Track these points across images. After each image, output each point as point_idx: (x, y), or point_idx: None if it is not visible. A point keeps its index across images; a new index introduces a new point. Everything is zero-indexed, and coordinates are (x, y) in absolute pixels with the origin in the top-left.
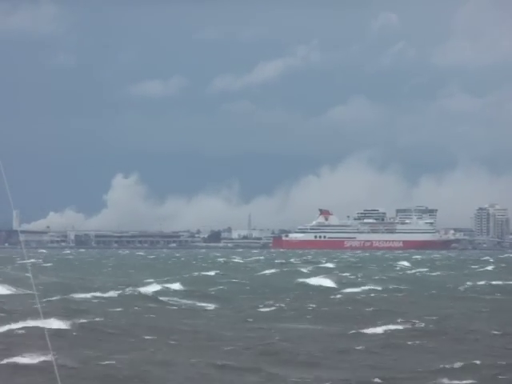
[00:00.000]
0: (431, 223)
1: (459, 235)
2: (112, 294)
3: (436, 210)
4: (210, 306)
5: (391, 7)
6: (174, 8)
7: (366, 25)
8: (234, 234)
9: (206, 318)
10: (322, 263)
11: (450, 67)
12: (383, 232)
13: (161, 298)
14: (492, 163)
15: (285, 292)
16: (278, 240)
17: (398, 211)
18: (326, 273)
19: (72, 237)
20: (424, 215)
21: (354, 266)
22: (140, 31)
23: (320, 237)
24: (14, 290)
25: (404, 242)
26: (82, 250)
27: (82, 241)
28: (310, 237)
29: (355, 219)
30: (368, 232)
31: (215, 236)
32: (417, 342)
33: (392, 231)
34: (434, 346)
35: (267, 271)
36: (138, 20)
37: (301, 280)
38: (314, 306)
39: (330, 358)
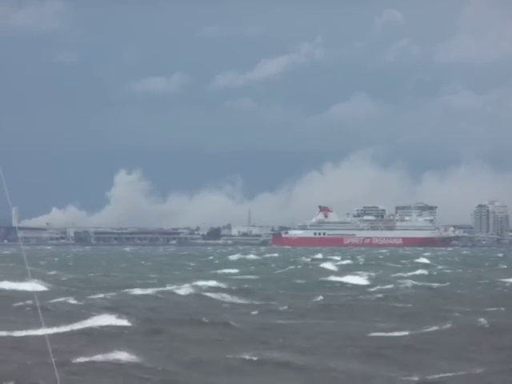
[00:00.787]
0: (431, 220)
1: (459, 232)
2: (172, 288)
3: (436, 207)
4: (274, 304)
5: (395, 4)
6: (177, 5)
7: (370, 22)
8: (234, 231)
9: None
10: (338, 261)
11: (453, 64)
12: (383, 229)
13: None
14: (494, 160)
15: (324, 289)
16: (277, 237)
17: (397, 208)
18: (349, 270)
19: (71, 233)
20: (424, 212)
21: (371, 263)
22: (143, 28)
23: (319, 234)
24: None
25: (404, 238)
26: (88, 247)
27: (81, 238)
28: (310, 234)
29: (355, 216)
30: (367, 229)
31: (215, 233)
32: None
33: (391, 228)
34: None
35: (291, 266)
36: (141, 17)
37: (333, 278)
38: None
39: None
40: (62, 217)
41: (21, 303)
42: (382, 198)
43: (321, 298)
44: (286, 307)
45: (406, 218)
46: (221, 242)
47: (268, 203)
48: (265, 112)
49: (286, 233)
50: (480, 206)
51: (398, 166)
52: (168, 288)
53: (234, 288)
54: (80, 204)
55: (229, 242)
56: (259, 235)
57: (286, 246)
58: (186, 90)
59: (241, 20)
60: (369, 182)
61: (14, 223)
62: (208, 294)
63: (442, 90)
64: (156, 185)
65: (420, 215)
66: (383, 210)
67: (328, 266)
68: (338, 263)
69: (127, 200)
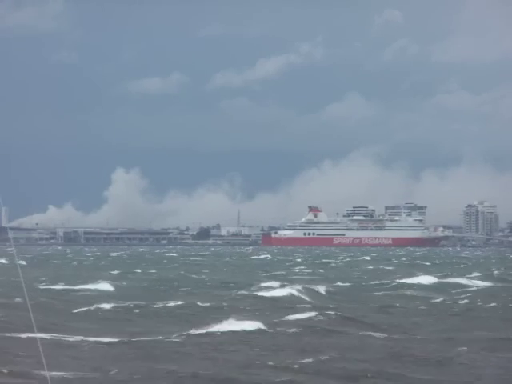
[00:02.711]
0: (420, 220)
1: (448, 232)
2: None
3: (425, 207)
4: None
5: (395, 4)
6: (176, 5)
7: (369, 21)
8: (223, 231)
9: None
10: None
11: (450, 64)
12: (372, 229)
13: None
14: (490, 160)
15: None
16: (267, 237)
17: (387, 208)
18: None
19: (61, 234)
20: (413, 212)
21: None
22: (142, 28)
23: (309, 234)
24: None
25: (393, 239)
26: (95, 248)
27: (70, 238)
28: (299, 234)
29: (344, 216)
30: (357, 229)
31: (204, 233)
32: None
33: (381, 228)
34: None
35: (340, 260)
36: (140, 17)
37: (401, 280)
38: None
39: None
40: (58, 216)
41: None
42: (378, 198)
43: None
44: None
45: (396, 218)
46: (210, 242)
47: (265, 203)
48: (260, 111)
49: (276, 233)
50: (469, 206)
51: (394, 165)
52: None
53: None
54: (78, 203)
55: (218, 242)
56: (249, 235)
57: (276, 247)
58: (183, 89)
59: (241, 20)
60: (365, 182)
61: (4, 223)
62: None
63: (437, 89)
64: (153, 184)
65: (409, 215)
66: (373, 210)
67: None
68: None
69: (124, 199)
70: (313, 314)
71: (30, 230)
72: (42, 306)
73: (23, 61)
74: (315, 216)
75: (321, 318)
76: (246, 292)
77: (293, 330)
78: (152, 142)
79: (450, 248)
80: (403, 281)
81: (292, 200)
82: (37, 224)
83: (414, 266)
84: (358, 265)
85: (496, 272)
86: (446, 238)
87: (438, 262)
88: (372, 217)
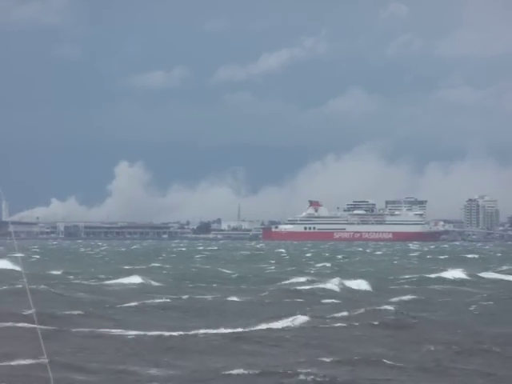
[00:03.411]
0: (421, 215)
1: (449, 227)
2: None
3: (426, 202)
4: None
5: None
6: None
7: (375, 15)
8: (224, 226)
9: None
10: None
11: (454, 59)
12: (373, 223)
13: None
14: (491, 154)
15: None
16: (267, 231)
17: (387, 202)
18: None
19: (61, 228)
20: (414, 207)
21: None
22: (146, 22)
23: (309, 228)
24: None
25: (393, 233)
26: (100, 243)
27: (71, 232)
28: (300, 228)
29: (345, 210)
30: (357, 223)
31: (205, 227)
32: None
33: (381, 223)
34: None
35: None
36: (143, 11)
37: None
38: None
39: None
40: (62, 209)
41: None
42: (382, 192)
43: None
44: None
45: (396, 213)
46: (211, 236)
47: (269, 197)
48: (262, 105)
49: (276, 227)
50: (470, 200)
51: (398, 160)
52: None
53: None
54: (81, 197)
55: (219, 236)
56: (249, 230)
57: (276, 241)
58: (186, 83)
59: (245, 14)
60: (369, 176)
61: (5, 217)
62: None
63: (441, 84)
64: (157, 178)
65: (410, 209)
66: (373, 205)
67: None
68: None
69: (128, 193)
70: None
71: (30, 224)
72: (95, 302)
73: (27, 55)
74: (316, 210)
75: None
76: (291, 286)
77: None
78: (155, 136)
79: (458, 243)
80: (442, 275)
81: (296, 194)
82: (37, 218)
83: (436, 260)
84: (381, 259)
85: None
86: (446, 232)
87: (473, 255)
88: (372, 211)
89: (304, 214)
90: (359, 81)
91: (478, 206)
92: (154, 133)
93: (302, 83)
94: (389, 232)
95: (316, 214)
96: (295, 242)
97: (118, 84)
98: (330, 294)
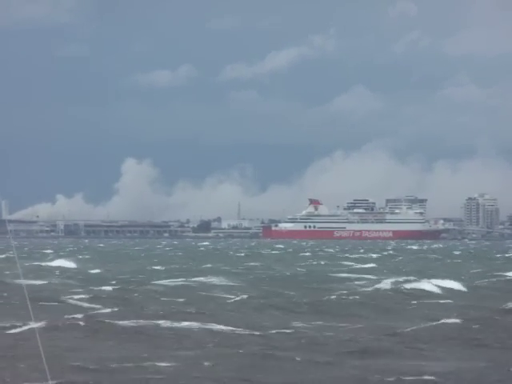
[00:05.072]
0: (421, 213)
1: (449, 225)
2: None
3: (426, 200)
4: None
5: None
6: None
7: (383, 14)
8: (224, 224)
9: None
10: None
11: (461, 57)
12: (373, 222)
13: None
14: (499, 153)
15: None
16: (267, 230)
17: (387, 201)
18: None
19: (61, 226)
20: (414, 205)
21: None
22: (152, 21)
23: (309, 226)
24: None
25: (394, 231)
26: (113, 242)
27: (71, 230)
28: (300, 227)
29: (345, 209)
30: (358, 222)
31: (205, 226)
32: None
33: (381, 221)
34: None
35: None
36: (150, 10)
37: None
38: None
39: None
40: (67, 207)
41: None
42: (389, 190)
43: None
44: None
45: (396, 211)
46: (211, 235)
47: (275, 195)
48: (268, 104)
49: (276, 226)
50: (470, 198)
51: (407, 159)
52: None
53: None
54: (89, 194)
55: (220, 235)
56: (249, 228)
57: (276, 239)
58: (192, 82)
59: (252, 12)
60: (376, 175)
61: (4, 216)
62: None
63: (447, 83)
64: (163, 176)
65: (410, 208)
66: (373, 203)
67: None
68: None
69: (135, 190)
70: None
71: (30, 223)
72: (199, 299)
73: (35, 53)
74: (316, 209)
75: None
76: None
77: None
78: (161, 135)
79: (468, 240)
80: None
81: (304, 192)
82: (37, 217)
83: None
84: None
85: None
86: (446, 230)
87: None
88: (372, 210)
89: (304, 212)
90: (365, 79)
91: (477, 204)
92: (160, 131)
93: (309, 82)
94: (389, 230)
95: (316, 213)
96: (294, 241)
97: (125, 82)
98: (435, 294)
